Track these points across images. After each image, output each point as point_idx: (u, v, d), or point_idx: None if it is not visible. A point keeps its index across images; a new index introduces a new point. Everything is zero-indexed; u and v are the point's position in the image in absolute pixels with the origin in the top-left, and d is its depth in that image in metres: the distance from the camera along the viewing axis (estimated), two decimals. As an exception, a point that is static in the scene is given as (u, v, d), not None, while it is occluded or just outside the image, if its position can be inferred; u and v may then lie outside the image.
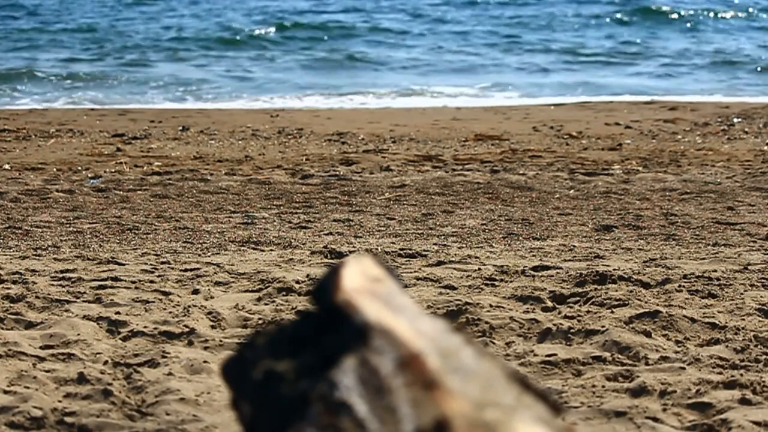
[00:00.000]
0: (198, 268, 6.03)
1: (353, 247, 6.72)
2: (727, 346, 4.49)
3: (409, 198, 8.82)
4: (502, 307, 5.09)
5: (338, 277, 2.15)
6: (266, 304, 5.26)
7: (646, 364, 4.31)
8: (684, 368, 4.21)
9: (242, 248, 6.78)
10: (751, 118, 14.34)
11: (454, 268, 6.01)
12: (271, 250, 6.72)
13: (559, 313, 5.07)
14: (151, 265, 6.14)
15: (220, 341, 4.62)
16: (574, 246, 6.81)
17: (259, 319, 5.00)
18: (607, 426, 3.67)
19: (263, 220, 7.85)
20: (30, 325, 4.84)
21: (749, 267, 6.04)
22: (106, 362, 4.32)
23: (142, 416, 3.76)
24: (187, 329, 4.75)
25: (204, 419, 3.72)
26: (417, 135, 12.71)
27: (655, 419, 3.70)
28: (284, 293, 5.45)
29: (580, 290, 5.45)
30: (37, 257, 6.40)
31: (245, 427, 2.15)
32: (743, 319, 4.90)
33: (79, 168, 10.16)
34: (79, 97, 17.13)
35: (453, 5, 29.79)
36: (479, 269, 5.96)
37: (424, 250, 6.57)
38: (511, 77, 19.80)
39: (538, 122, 13.91)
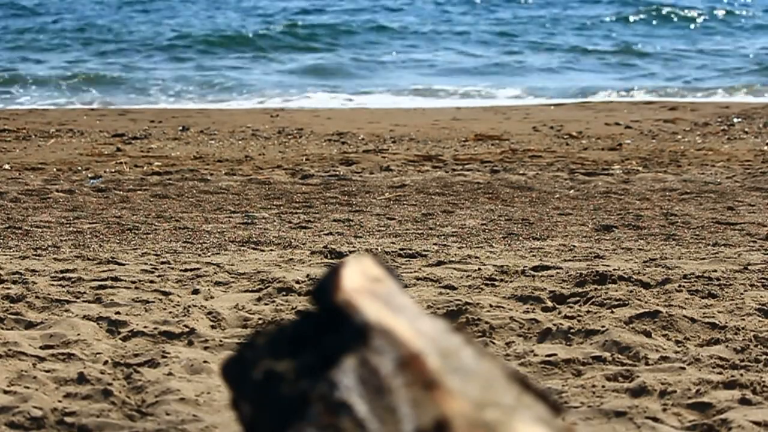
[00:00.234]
0: (198, 268, 6.03)
1: (353, 247, 6.72)
2: (727, 346, 4.49)
3: (409, 198, 8.82)
4: (502, 307, 5.09)
5: (338, 277, 2.15)
6: (266, 304, 5.26)
7: (646, 364, 4.31)
8: (684, 368, 4.21)
9: (242, 248, 6.78)
10: (751, 118, 14.34)
11: (454, 268, 6.01)
12: (271, 250, 6.72)
13: (559, 313, 5.07)
14: (151, 265, 6.14)
15: (220, 341, 4.62)
16: (574, 246, 6.81)
17: (259, 319, 5.00)
18: (607, 426, 3.67)
19: (263, 220, 7.85)
20: (30, 325, 4.84)
21: (749, 267, 6.04)
22: (106, 362, 4.32)
23: (142, 416, 3.76)
24: (187, 329, 4.75)
25: (204, 419, 3.72)
26: (417, 135, 12.71)
27: (655, 419, 3.70)
28: (284, 293, 5.45)
29: (580, 290, 5.45)
30: (37, 257, 6.40)
31: (245, 427, 2.15)
32: (743, 319, 4.91)
33: (79, 168, 10.17)
34: (79, 97, 17.13)
35: (453, 5, 29.80)
36: (479, 269, 5.96)
37: (424, 250, 6.57)
38: (511, 77, 19.81)
39: (538, 122, 13.90)
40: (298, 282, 5.60)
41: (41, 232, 7.31)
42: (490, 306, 5.09)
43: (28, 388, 3.97)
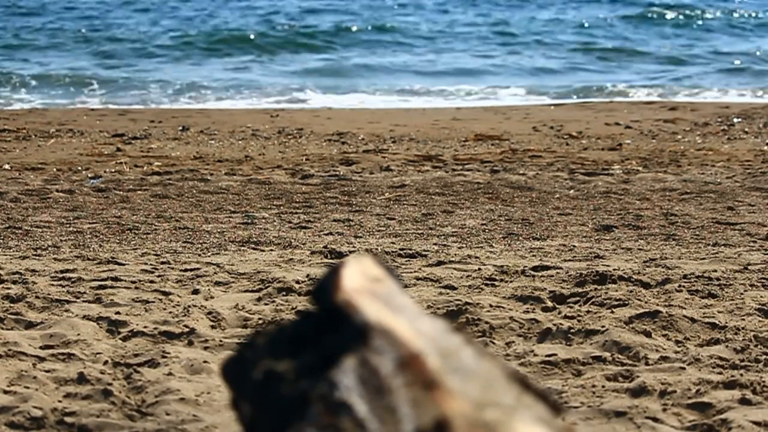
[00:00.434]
0: (198, 268, 6.03)
1: (353, 247, 6.72)
2: (727, 346, 4.49)
3: (409, 198, 8.82)
4: (502, 307, 5.09)
5: (338, 277, 2.15)
6: (266, 304, 5.26)
7: (646, 364, 4.31)
8: (684, 368, 4.21)
9: (242, 248, 6.78)
10: (751, 118, 14.34)
11: (454, 268, 6.01)
12: (271, 250, 6.72)
13: (559, 313, 5.07)
14: (151, 265, 6.14)
15: (220, 341, 4.62)
16: (574, 246, 6.81)
17: (259, 319, 5.00)
18: (607, 426, 3.67)
19: (263, 220, 7.85)
20: (30, 325, 4.84)
21: (749, 267, 6.04)
22: (106, 362, 4.32)
23: (142, 416, 3.76)
24: (187, 329, 4.75)
25: (204, 419, 3.72)
26: (417, 135, 12.71)
27: (655, 419, 3.70)
28: (284, 293, 5.45)
29: (580, 290, 5.45)
30: (37, 257, 6.40)
31: (245, 427, 2.15)
32: (743, 319, 4.90)
33: (79, 168, 10.16)
34: (79, 97, 17.13)
35: (453, 5, 29.80)
36: (479, 269, 5.96)
37: (424, 250, 6.57)
38: (511, 77, 19.80)
39: (538, 122, 13.90)
40: (298, 282, 5.60)
41: (41, 232, 7.31)
42: (490, 306, 5.09)
43: (28, 388, 3.97)
